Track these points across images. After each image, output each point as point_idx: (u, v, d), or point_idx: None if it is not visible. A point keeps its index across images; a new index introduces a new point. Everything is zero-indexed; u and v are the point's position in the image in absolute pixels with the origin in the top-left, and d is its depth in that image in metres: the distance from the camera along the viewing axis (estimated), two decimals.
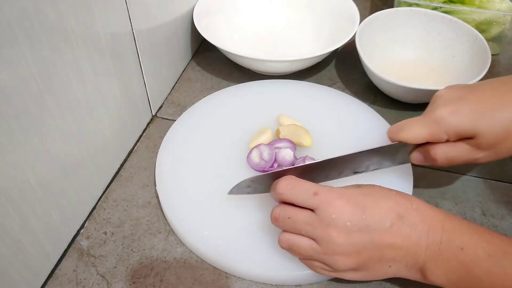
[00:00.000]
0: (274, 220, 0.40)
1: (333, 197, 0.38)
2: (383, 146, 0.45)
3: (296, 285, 0.45)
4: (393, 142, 0.45)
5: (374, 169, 0.47)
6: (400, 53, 0.68)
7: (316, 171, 0.44)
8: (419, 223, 0.38)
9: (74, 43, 0.42)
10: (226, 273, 0.46)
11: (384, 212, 0.38)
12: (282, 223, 0.40)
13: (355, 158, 0.45)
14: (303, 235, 0.39)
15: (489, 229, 0.39)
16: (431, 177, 0.54)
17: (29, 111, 0.38)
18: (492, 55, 0.60)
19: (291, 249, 0.40)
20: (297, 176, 0.40)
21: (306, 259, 0.41)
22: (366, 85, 0.66)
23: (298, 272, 0.44)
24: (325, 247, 0.38)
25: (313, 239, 0.39)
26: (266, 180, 0.43)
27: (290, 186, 0.39)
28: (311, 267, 0.41)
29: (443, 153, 0.43)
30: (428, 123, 0.42)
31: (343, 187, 0.40)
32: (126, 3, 0.49)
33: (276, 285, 0.45)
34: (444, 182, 0.54)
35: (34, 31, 0.36)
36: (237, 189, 0.44)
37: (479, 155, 0.42)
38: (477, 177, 0.55)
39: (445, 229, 0.38)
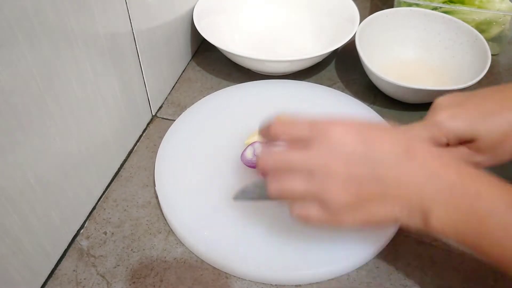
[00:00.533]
0: (263, 164, 0.37)
1: (332, 124, 0.36)
2: None
3: (296, 285, 0.45)
4: None
5: None
6: (400, 53, 0.68)
7: None
8: (430, 161, 0.35)
9: (74, 43, 0.42)
10: (226, 273, 0.46)
11: (390, 144, 0.35)
12: (273, 164, 0.37)
13: None
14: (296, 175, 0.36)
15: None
16: None
17: (29, 111, 0.38)
18: (492, 55, 0.60)
19: (282, 189, 0.37)
20: None
21: (298, 199, 0.37)
22: (366, 85, 0.66)
23: (298, 272, 0.44)
24: (322, 177, 0.35)
25: (308, 175, 0.36)
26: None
27: (283, 123, 0.37)
28: (303, 215, 0.37)
29: None
30: (428, 127, 0.42)
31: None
32: (126, 3, 0.49)
33: (276, 285, 0.45)
34: None
35: (34, 31, 0.36)
36: (242, 195, 0.43)
37: (480, 159, 0.43)
38: None
39: (460, 173, 0.35)
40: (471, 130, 0.41)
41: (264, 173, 0.38)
